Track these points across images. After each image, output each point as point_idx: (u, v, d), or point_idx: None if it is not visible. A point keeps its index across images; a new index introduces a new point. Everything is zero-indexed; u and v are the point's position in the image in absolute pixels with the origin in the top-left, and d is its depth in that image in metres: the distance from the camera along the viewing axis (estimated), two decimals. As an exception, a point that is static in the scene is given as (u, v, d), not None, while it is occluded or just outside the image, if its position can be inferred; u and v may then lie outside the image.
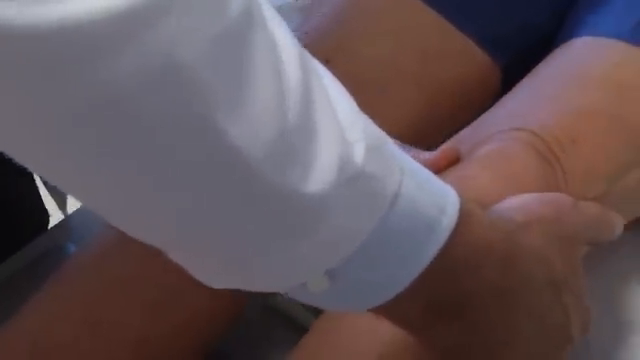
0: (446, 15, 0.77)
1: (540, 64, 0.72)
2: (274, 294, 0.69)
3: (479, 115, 0.70)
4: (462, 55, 0.77)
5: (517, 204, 0.54)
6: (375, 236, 0.45)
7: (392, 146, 0.47)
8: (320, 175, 0.42)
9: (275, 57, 0.40)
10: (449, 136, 0.69)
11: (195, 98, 0.37)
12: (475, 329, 0.51)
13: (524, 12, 0.79)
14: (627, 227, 0.67)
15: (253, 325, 0.72)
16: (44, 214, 0.92)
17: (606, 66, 0.69)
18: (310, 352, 0.58)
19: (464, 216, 0.48)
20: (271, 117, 0.40)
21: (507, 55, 0.78)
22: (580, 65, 0.70)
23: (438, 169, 0.62)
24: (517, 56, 0.77)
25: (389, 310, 0.48)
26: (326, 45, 0.75)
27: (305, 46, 0.75)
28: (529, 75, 0.72)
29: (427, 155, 0.63)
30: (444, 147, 0.64)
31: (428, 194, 0.47)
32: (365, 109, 0.68)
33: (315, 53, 0.74)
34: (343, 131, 0.43)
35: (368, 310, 0.48)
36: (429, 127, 0.75)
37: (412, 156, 0.63)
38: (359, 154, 0.43)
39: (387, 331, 0.54)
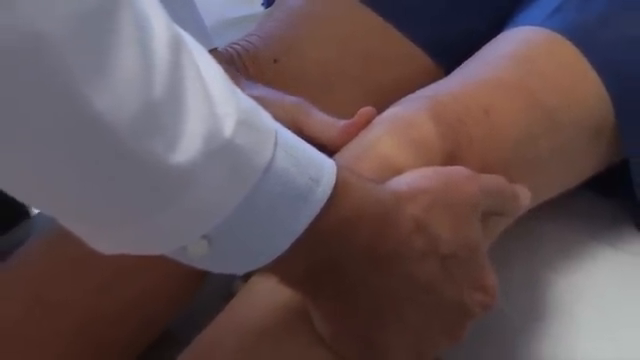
0: (392, 21, 0.82)
1: None
2: (232, 280, 0.72)
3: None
4: (406, 59, 0.82)
5: (404, 177, 0.57)
6: (247, 205, 0.47)
7: (268, 121, 0.49)
8: (186, 146, 0.44)
9: (143, 34, 0.43)
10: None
11: (58, 66, 0.40)
12: (353, 292, 0.54)
13: (468, 18, 0.83)
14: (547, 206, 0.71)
15: (206, 309, 0.75)
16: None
17: (519, 46, 0.73)
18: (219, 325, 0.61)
19: (339, 187, 0.51)
20: (136, 88, 0.42)
21: (451, 58, 0.81)
22: (497, 48, 0.75)
23: (356, 131, 0.66)
24: (460, 59, 0.80)
25: (273, 271, 0.52)
26: (276, 47, 0.80)
27: (256, 47, 0.81)
28: None
29: (342, 122, 0.67)
30: (360, 111, 0.67)
31: (303, 166, 0.49)
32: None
33: (265, 54, 0.80)
34: (214, 106, 0.46)
35: (254, 271, 0.51)
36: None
37: (329, 123, 0.67)
38: (229, 127, 0.46)
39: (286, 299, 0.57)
